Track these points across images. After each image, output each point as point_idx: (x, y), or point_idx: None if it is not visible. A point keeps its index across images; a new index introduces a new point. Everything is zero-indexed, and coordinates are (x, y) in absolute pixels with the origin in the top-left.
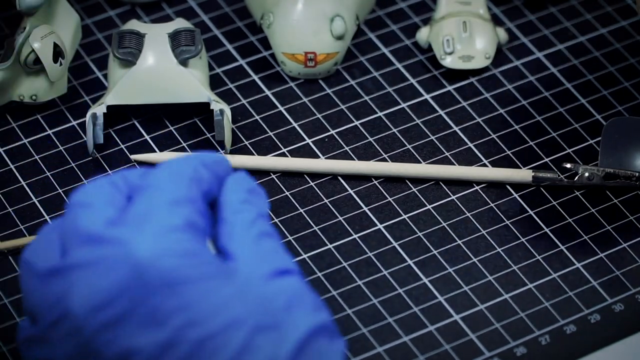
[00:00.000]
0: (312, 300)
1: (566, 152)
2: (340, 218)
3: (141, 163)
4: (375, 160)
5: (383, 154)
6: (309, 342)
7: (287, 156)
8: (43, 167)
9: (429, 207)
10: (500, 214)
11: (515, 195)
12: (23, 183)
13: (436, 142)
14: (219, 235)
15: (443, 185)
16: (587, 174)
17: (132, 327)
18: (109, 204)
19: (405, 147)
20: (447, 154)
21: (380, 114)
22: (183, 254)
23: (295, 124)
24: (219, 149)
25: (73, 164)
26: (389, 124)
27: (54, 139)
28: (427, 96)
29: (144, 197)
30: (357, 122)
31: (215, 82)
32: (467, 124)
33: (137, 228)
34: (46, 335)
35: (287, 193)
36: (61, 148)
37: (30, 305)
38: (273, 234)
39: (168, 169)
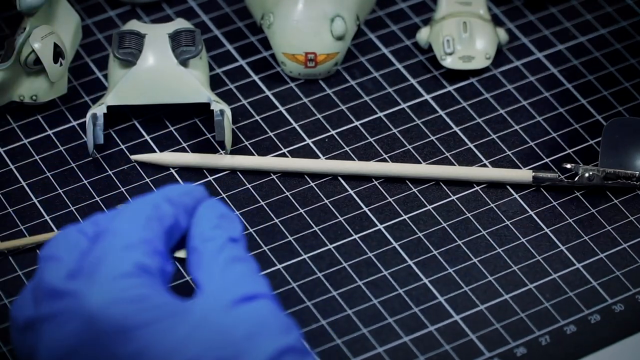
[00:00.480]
0: (279, 323)
1: (566, 152)
2: (341, 218)
3: (141, 163)
4: (376, 161)
5: (383, 154)
6: None
7: (287, 156)
8: (43, 167)
9: (429, 207)
10: (500, 214)
11: (516, 195)
12: (23, 183)
13: (436, 142)
14: (189, 265)
15: (443, 186)
16: (587, 175)
17: None
18: (74, 255)
19: (406, 148)
20: (447, 154)
21: (380, 114)
22: (132, 300)
23: (295, 125)
24: (220, 149)
25: (73, 164)
26: (389, 124)
27: (54, 139)
28: (427, 96)
29: (100, 243)
30: (357, 123)
31: (215, 83)
32: (468, 124)
33: (89, 278)
34: None
35: (288, 193)
36: (61, 148)
37: (17, 358)
38: (243, 258)
39: (126, 211)
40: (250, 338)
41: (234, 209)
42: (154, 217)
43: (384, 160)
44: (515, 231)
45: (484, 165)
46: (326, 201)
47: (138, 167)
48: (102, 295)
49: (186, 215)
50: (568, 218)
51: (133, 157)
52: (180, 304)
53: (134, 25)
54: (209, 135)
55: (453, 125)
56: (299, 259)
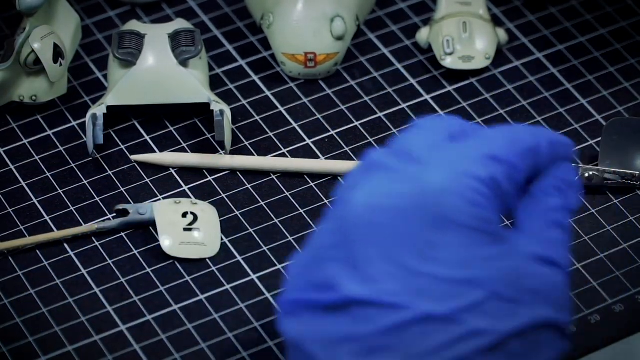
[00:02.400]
0: (561, 299)
1: None
2: None
3: (141, 163)
4: None
5: None
6: (534, 332)
7: (287, 156)
8: (43, 167)
9: None
10: None
11: None
12: (23, 183)
13: None
14: (519, 204)
15: None
16: (587, 175)
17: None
18: (443, 134)
19: None
20: None
21: (380, 114)
22: (467, 201)
23: (295, 125)
24: (219, 149)
25: (73, 165)
26: (389, 124)
27: (54, 139)
28: (427, 97)
29: (466, 142)
30: (357, 123)
31: (215, 83)
32: None
33: (440, 161)
34: None
35: (287, 193)
36: (61, 148)
37: None
38: (566, 230)
39: (506, 130)
40: (534, 294)
41: (234, 209)
42: (532, 150)
43: None
44: None
45: None
46: (326, 201)
47: (138, 167)
48: (444, 179)
49: (551, 162)
50: None
51: (133, 157)
52: (502, 231)
53: (133, 25)
54: (208, 135)
55: None
56: None
